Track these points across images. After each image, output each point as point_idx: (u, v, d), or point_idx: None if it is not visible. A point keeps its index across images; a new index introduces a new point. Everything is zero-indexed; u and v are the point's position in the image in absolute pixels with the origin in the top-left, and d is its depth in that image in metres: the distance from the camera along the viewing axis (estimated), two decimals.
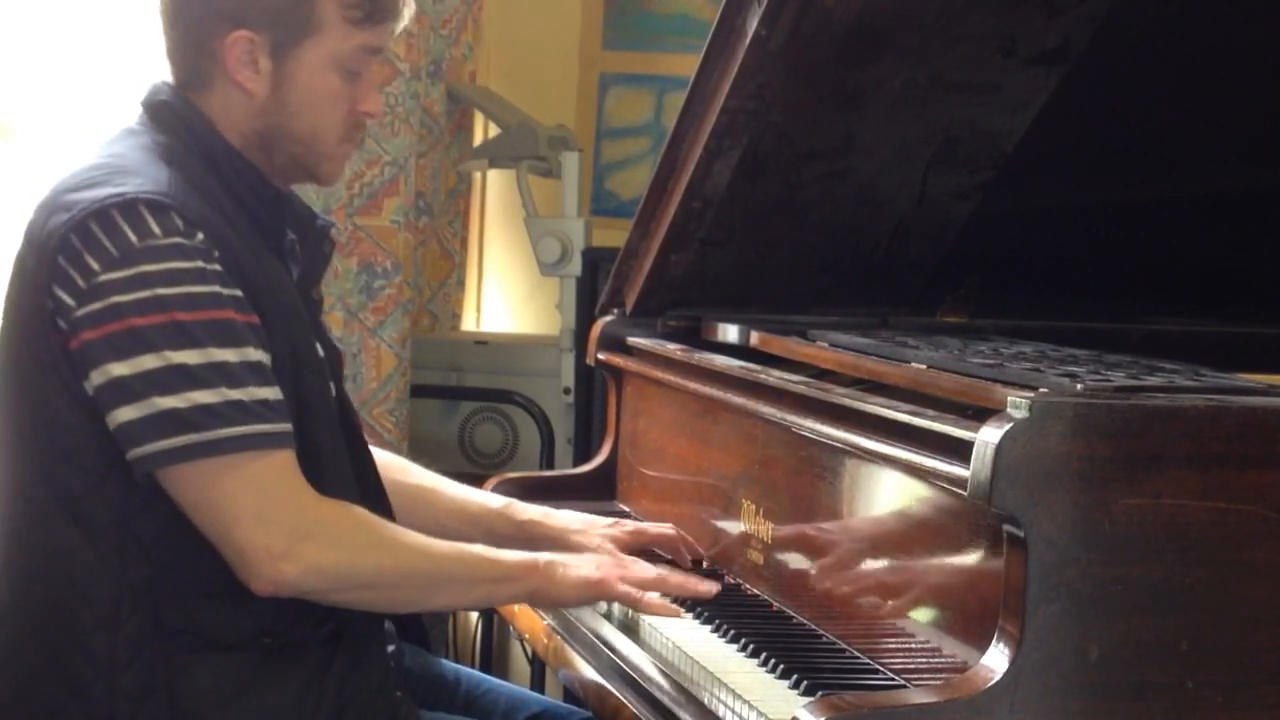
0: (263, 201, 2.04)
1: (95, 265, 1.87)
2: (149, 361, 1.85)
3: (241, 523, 1.87)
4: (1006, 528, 1.63)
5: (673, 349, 2.53)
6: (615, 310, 2.72)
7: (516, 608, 2.41)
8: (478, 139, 4.33)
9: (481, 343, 4.07)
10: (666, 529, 2.32)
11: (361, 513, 1.97)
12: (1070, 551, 1.61)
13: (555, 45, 4.43)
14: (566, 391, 3.90)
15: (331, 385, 2.06)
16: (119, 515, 1.91)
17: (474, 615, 4.12)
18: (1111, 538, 1.62)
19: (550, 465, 3.84)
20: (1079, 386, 1.68)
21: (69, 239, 1.88)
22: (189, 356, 1.85)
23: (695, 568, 2.29)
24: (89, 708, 1.90)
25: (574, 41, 4.45)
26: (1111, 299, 2.73)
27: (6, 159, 3.06)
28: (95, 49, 3.18)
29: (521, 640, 3.09)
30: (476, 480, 2.56)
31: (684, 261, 2.58)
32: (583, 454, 3.70)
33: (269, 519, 1.87)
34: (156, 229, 1.88)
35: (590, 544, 2.27)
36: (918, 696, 1.64)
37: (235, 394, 1.87)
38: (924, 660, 1.82)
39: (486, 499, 2.39)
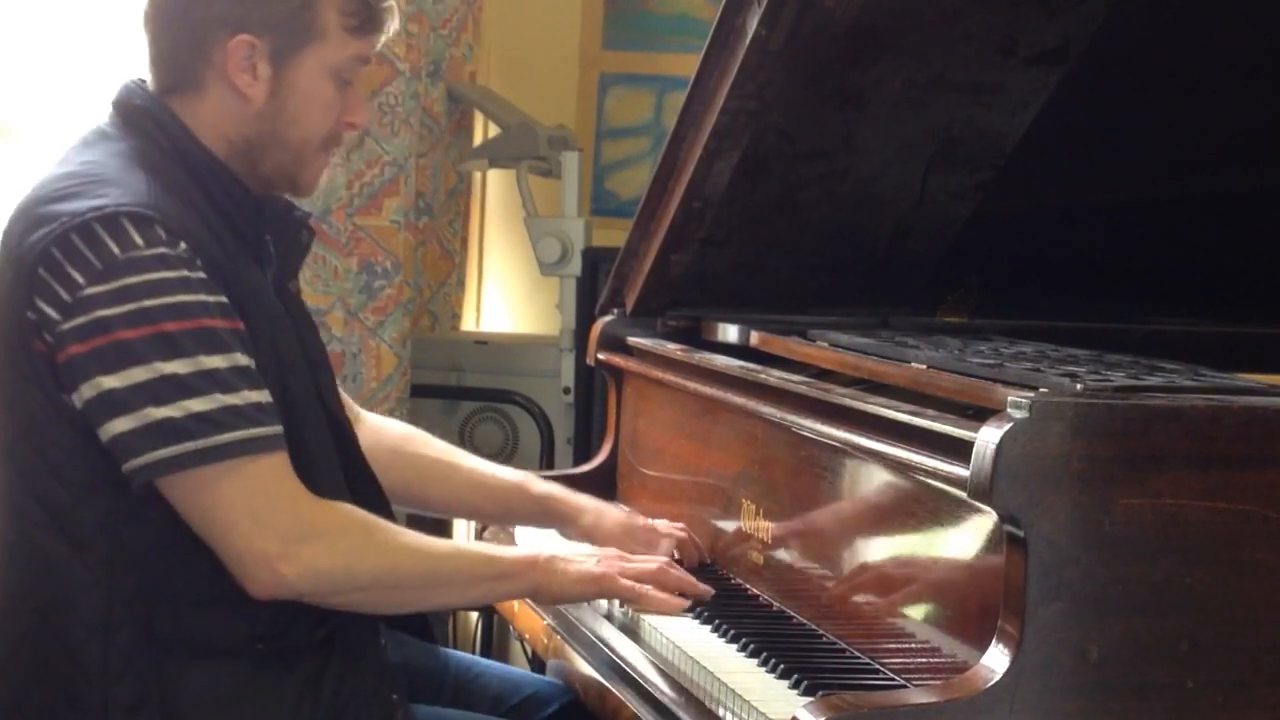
0: (241, 209, 2.02)
1: (79, 278, 1.85)
2: (139, 374, 1.84)
3: (238, 527, 1.87)
4: (1006, 528, 1.63)
5: (673, 349, 2.53)
6: (615, 310, 2.72)
7: (516, 607, 2.41)
8: (478, 139, 4.34)
9: (481, 343, 4.08)
10: (677, 530, 2.33)
11: (359, 513, 1.97)
12: (1070, 551, 1.61)
13: (555, 45, 4.44)
14: (566, 391, 3.90)
15: (315, 383, 2.05)
16: (107, 526, 1.90)
17: (474, 613, 4.12)
18: (1111, 538, 1.62)
19: (550, 465, 3.84)
20: (1079, 386, 1.68)
21: (49, 252, 1.86)
22: (179, 366, 1.85)
23: (694, 571, 2.29)
24: (84, 717, 1.89)
25: (574, 41, 4.46)
26: (1111, 299, 2.73)
27: (6, 159, 3.06)
28: (95, 49, 3.18)
29: (522, 640, 3.09)
30: None
31: (684, 261, 2.58)
32: (583, 454, 3.70)
33: (265, 523, 1.87)
34: (139, 240, 1.86)
35: (602, 526, 2.29)
36: (918, 696, 1.64)
37: (229, 399, 1.86)
38: (924, 660, 1.82)
39: (503, 472, 2.41)
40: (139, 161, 1.96)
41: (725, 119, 2.39)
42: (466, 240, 4.42)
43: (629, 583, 2.08)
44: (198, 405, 1.85)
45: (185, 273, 1.87)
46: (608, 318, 2.73)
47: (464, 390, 4.00)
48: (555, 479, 2.75)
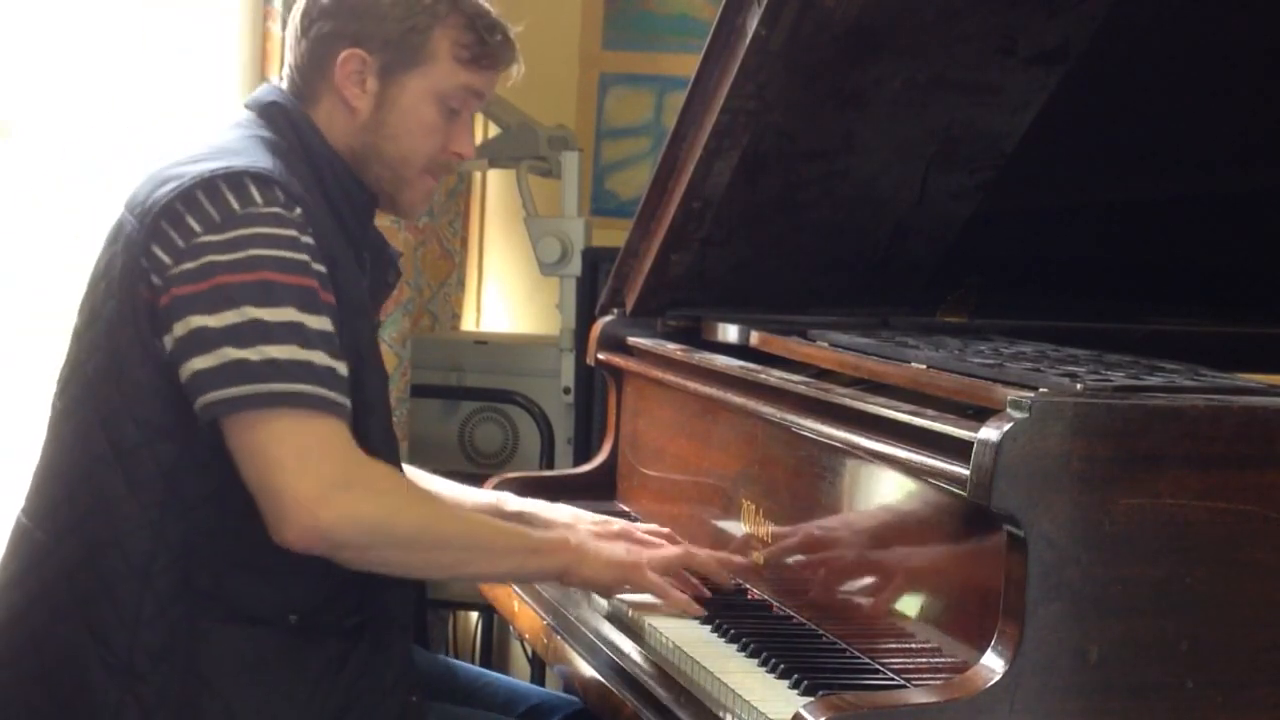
0: (354, 207, 2.12)
1: (197, 227, 1.94)
2: (230, 316, 1.91)
3: (283, 467, 1.89)
4: (1006, 528, 1.63)
5: (673, 349, 2.53)
6: (615, 310, 2.72)
7: (516, 607, 2.41)
8: (478, 139, 4.33)
9: (481, 343, 4.07)
10: (657, 533, 2.33)
11: (403, 475, 2.01)
12: (1070, 551, 1.61)
13: (555, 45, 4.43)
14: (566, 391, 3.90)
15: (384, 390, 2.11)
16: (167, 473, 1.95)
17: (474, 615, 4.12)
18: (1111, 538, 1.62)
19: (550, 465, 3.84)
20: (1079, 386, 1.68)
21: (173, 205, 1.95)
22: (269, 314, 1.91)
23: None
24: (108, 656, 1.93)
25: (574, 41, 4.46)
26: (1111, 299, 2.73)
27: (6, 159, 3.06)
28: (95, 49, 3.18)
29: (522, 640, 3.09)
30: (477, 480, 2.57)
31: (684, 261, 2.58)
32: (583, 454, 3.70)
33: (311, 465, 1.89)
34: (259, 198, 1.95)
35: None
36: (918, 696, 1.64)
37: (306, 354, 1.91)
38: (924, 660, 1.82)
39: (480, 496, 2.45)
40: (268, 147, 2.06)
41: (725, 119, 2.39)
42: (466, 240, 4.42)
43: (656, 578, 2.11)
44: (275, 352, 1.90)
45: (296, 234, 1.95)
46: (608, 318, 2.73)
47: (464, 390, 4.00)
48: (555, 479, 2.76)
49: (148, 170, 2.06)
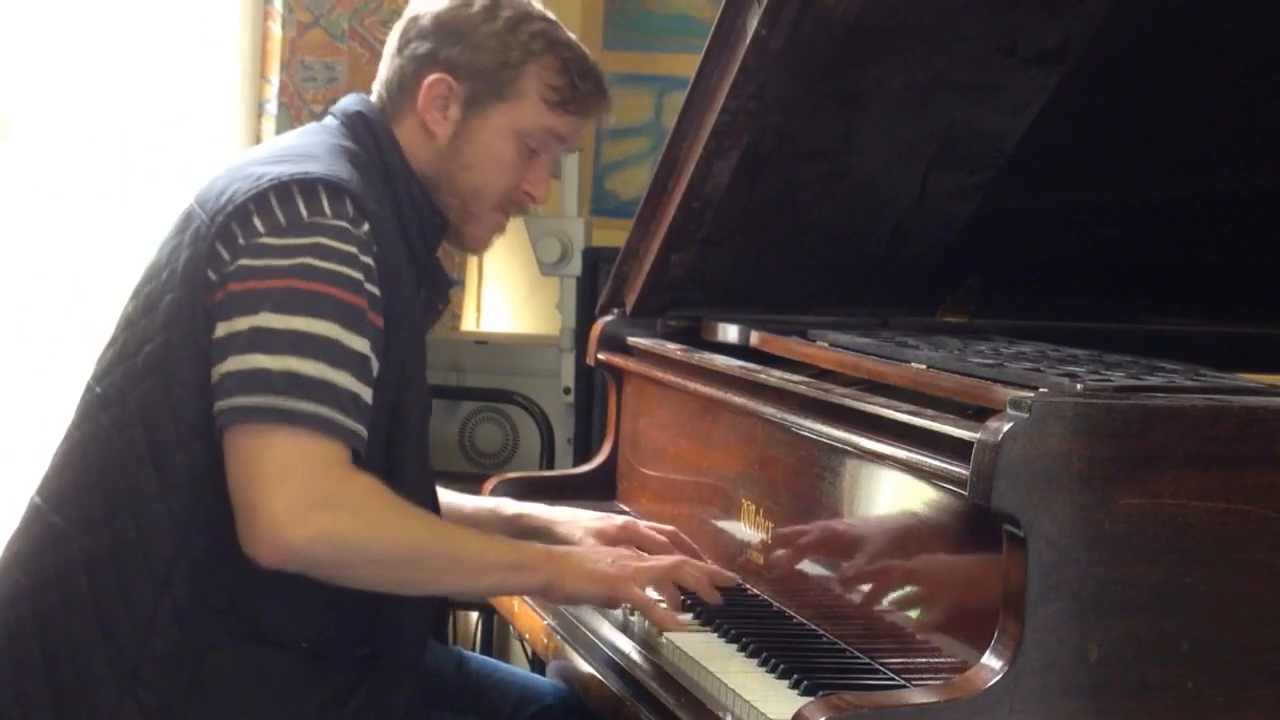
0: (424, 227, 2.11)
1: (261, 228, 1.92)
2: (270, 320, 1.88)
3: (263, 481, 1.85)
4: (1006, 528, 1.63)
5: (673, 349, 2.53)
6: (615, 310, 2.72)
7: (516, 607, 2.41)
8: None
9: (481, 343, 4.08)
10: (662, 530, 2.30)
11: (383, 487, 1.94)
12: (1070, 551, 1.61)
13: None
14: (566, 391, 3.90)
15: (426, 412, 2.09)
16: (198, 476, 1.92)
17: (474, 615, 4.12)
18: (1111, 538, 1.62)
19: (550, 465, 3.84)
20: (1079, 386, 1.68)
21: (245, 205, 1.94)
22: (308, 325, 1.88)
23: None
24: (115, 657, 1.91)
25: None
26: (1111, 299, 2.73)
27: (5, 158, 3.06)
28: (95, 49, 3.18)
29: (522, 640, 3.09)
30: (477, 480, 2.57)
31: (684, 261, 2.58)
32: (583, 454, 3.70)
33: (291, 483, 1.85)
34: (328, 209, 1.94)
35: (574, 536, 2.28)
36: (918, 696, 1.64)
37: (331, 375, 1.88)
38: (924, 660, 1.82)
39: (480, 501, 2.41)
40: (348, 157, 2.05)
41: (725, 119, 2.39)
42: None
43: (641, 593, 2.04)
44: (298, 365, 1.87)
45: (357, 252, 1.93)
46: (608, 318, 2.72)
47: (464, 390, 3.99)
48: (555, 479, 2.75)
49: (225, 165, 2.06)
